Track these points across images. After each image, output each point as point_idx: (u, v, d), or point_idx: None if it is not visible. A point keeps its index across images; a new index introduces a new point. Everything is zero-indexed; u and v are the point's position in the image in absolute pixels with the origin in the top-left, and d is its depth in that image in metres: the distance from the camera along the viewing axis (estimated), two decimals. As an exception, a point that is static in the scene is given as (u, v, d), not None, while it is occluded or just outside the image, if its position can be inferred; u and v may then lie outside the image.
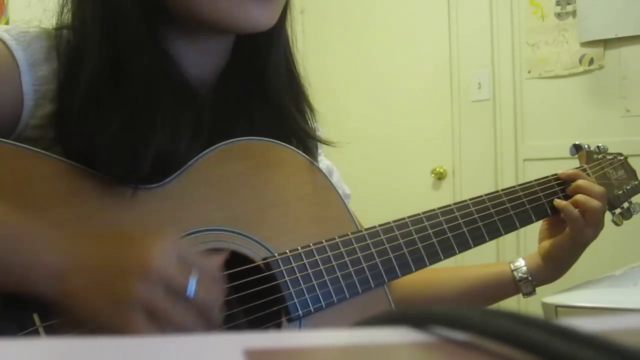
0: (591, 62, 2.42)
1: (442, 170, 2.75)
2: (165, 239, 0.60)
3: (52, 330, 0.59)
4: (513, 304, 2.37)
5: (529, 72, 2.56)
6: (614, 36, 2.35)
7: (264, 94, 0.79)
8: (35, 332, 0.59)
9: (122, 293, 0.56)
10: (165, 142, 0.68)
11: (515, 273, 0.92)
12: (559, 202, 0.90)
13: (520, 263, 0.93)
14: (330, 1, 3.07)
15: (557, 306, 0.84)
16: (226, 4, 0.69)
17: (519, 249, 2.45)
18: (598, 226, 0.90)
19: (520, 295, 0.91)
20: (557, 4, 2.50)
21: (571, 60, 2.47)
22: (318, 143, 0.89)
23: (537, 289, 0.91)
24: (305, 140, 0.82)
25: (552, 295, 0.88)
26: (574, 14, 2.45)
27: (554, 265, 0.92)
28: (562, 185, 0.93)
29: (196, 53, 0.76)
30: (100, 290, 0.57)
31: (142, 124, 0.68)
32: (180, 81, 0.74)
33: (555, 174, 0.94)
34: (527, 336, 0.23)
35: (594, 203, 0.89)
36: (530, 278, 0.91)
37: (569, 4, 2.47)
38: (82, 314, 0.58)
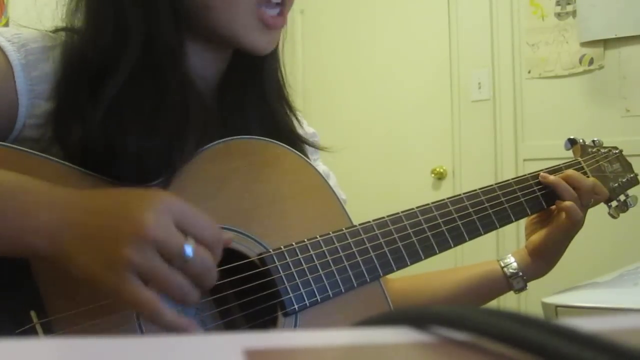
0: (591, 62, 2.42)
1: (442, 170, 2.75)
2: (162, 201, 0.59)
3: (49, 327, 0.60)
4: (513, 304, 2.38)
5: (529, 72, 2.56)
6: (614, 36, 2.35)
7: (258, 98, 0.82)
8: (32, 329, 0.59)
9: (115, 256, 0.56)
10: (175, 140, 0.70)
11: (505, 270, 0.92)
12: (567, 203, 0.90)
13: (510, 260, 0.93)
14: (330, 1, 3.07)
15: (557, 306, 0.84)
16: (238, 27, 0.74)
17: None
18: (581, 216, 0.91)
19: (520, 295, 0.92)
20: (557, 4, 2.50)
21: (571, 60, 2.47)
22: (314, 148, 0.90)
23: (537, 289, 0.91)
24: (297, 144, 0.84)
25: (552, 295, 0.88)
26: (574, 14, 2.45)
27: (544, 260, 0.93)
28: None
29: (202, 57, 0.79)
30: (94, 251, 0.57)
31: (166, 123, 0.70)
32: (192, 82, 0.76)
33: (549, 168, 0.95)
34: (527, 336, 0.23)
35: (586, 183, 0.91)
36: (521, 274, 0.92)
37: (569, 4, 2.47)
38: (76, 273, 0.57)
